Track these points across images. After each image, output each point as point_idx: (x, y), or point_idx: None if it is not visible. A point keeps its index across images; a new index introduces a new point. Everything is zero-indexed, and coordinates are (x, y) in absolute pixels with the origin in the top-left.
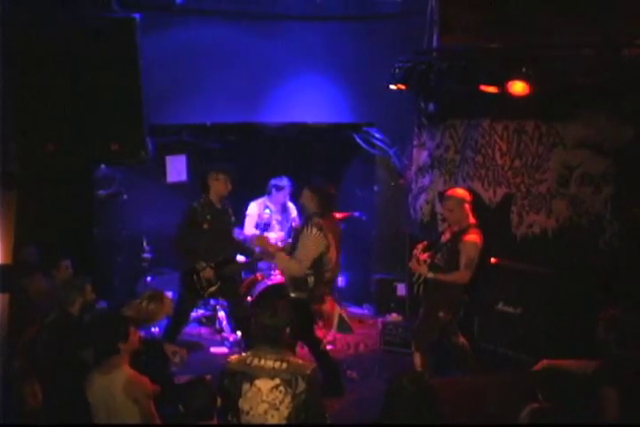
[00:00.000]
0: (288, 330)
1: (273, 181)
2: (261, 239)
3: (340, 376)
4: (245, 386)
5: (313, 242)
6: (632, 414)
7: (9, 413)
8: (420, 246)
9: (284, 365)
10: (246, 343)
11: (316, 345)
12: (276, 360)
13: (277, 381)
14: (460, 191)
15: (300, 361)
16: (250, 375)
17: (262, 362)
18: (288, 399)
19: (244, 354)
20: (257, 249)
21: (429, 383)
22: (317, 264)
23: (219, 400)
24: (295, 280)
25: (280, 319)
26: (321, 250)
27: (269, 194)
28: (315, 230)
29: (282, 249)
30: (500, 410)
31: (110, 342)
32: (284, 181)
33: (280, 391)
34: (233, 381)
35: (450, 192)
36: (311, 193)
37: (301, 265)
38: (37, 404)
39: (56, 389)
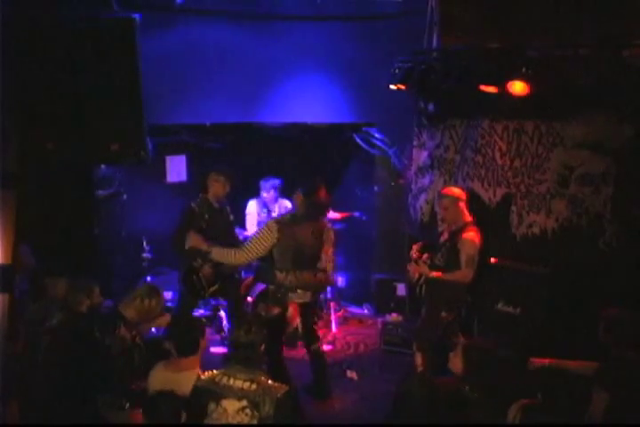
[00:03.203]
0: (262, 347)
1: (261, 183)
2: (192, 238)
3: (327, 379)
4: (211, 406)
5: (260, 234)
6: (627, 415)
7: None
8: (415, 247)
9: (254, 386)
10: None
11: (310, 344)
12: (245, 380)
13: (244, 402)
14: (456, 190)
15: (272, 382)
16: (217, 395)
17: (231, 381)
18: (254, 423)
19: (214, 371)
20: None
21: (436, 385)
22: (267, 259)
23: (183, 415)
24: (258, 274)
25: (255, 336)
26: (268, 244)
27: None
28: (269, 223)
29: (212, 245)
30: (499, 410)
31: (192, 338)
32: (271, 182)
33: (246, 414)
34: (199, 399)
35: (445, 191)
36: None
37: (243, 254)
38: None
39: (62, 391)
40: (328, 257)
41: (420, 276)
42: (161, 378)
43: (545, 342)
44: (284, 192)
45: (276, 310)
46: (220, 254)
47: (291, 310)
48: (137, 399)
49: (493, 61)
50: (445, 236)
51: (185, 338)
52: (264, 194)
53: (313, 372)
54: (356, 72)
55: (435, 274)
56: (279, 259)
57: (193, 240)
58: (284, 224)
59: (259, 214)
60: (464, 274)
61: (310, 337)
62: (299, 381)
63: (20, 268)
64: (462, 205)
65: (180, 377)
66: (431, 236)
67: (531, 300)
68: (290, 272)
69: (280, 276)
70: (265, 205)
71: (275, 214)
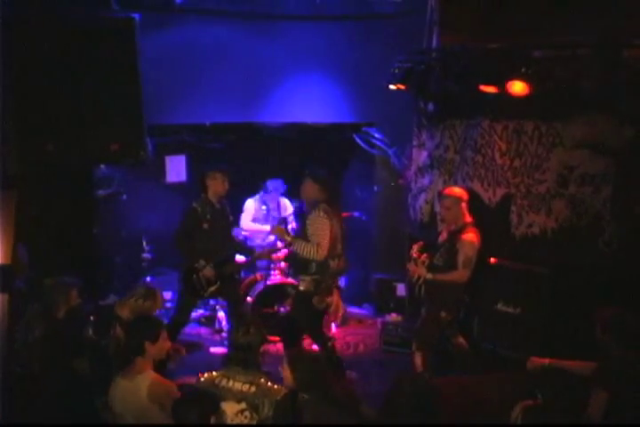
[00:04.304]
0: (262, 349)
1: (268, 184)
2: (279, 229)
3: (343, 375)
4: None
5: (323, 225)
6: (626, 414)
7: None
8: (415, 247)
9: (253, 388)
10: None
11: (323, 341)
12: (244, 383)
13: (243, 405)
14: (458, 190)
15: (271, 384)
16: (216, 397)
17: (230, 384)
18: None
19: (214, 373)
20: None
21: (430, 383)
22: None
23: (212, 418)
24: (301, 265)
25: (253, 338)
26: (328, 231)
27: (265, 192)
28: (322, 213)
29: (294, 237)
30: (499, 410)
31: (138, 340)
32: (277, 184)
33: (245, 417)
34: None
35: (447, 191)
36: (314, 183)
37: (320, 248)
38: None
39: (54, 398)
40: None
41: (419, 276)
42: (118, 388)
43: (545, 342)
44: (285, 191)
45: (330, 299)
46: (302, 248)
47: (336, 298)
48: None
49: (493, 61)
50: (444, 236)
51: (129, 339)
52: (272, 192)
53: (332, 368)
54: (355, 72)
55: (431, 276)
56: (333, 246)
57: (278, 230)
58: (330, 213)
59: (257, 211)
60: (460, 275)
61: (325, 335)
62: None
63: (17, 267)
64: (464, 205)
65: (133, 384)
66: (431, 236)
67: (530, 300)
68: (340, 258)
69: (333, 263)
70: (264, 203)
71: (274, 213)
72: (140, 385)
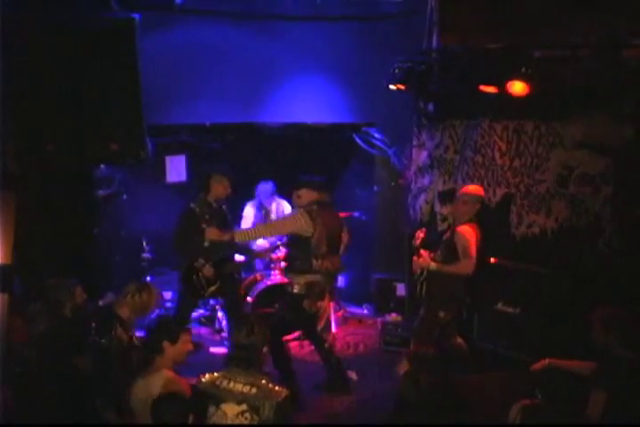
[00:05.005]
0: (265, 349)
1: (258, 187)
2: (210, 232)
3: (345, 375)
4: (211, 409)
5: (290, 218)
6: (625, 414)
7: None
8: (420, 235)
9: (254, 390)
10: None
11: (320, 342)
12: (245, 384)
13: (244, 407)
14: (481, 191)
15: (272, 386)
16: (217, 398)
17: (231, 385)
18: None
19: (215, 374)
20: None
21: (444, 373)
22: (302, 247)
23: (191, 417)
24: (289, 262)
25: (257, 338)
26: (295, 229)
27: (259, 195)
28: (300, 211)
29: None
30: (500, 409)
31: (156, 338)
32: (267, 186)
33: (246, 418)
34: (200, 401)
35: (472, 189)
36: (312, 190)
37: (265, 229)
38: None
39: (54, 397)
40: (345, 242)
41: (422, 272)
42: (136, 387)
43: (545, 342)
44: (282, 192)
45: (320, 304)
46: (243, 235)
47: (327, 301)
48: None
49: (493, 61)
50: (448, 234)
51: (150, 337)
52: (262, 197)
53: (332, 369)
54: (355, 72)
55: (436, 264)
56: (316, 245)
57: (212, 233)
58: (316, 212)
59: (255, 216)
60: (464, 265)
61: (320, 336)
62: (307, 380)
63: None
64: (478, 206)
65: (148, 382)
66: (430, 236)
67: (530, 300)
68: (326, 258)
69: (316, 263)
70: (260, 207)
71: (273, 215)
72: (154, 383)
